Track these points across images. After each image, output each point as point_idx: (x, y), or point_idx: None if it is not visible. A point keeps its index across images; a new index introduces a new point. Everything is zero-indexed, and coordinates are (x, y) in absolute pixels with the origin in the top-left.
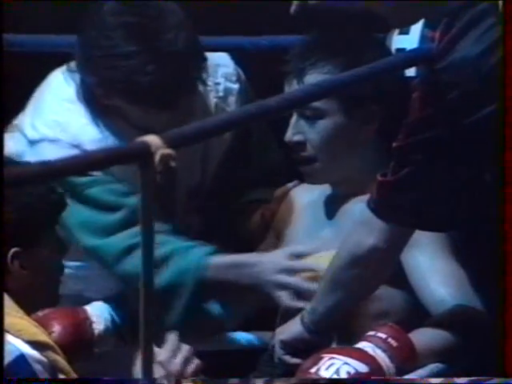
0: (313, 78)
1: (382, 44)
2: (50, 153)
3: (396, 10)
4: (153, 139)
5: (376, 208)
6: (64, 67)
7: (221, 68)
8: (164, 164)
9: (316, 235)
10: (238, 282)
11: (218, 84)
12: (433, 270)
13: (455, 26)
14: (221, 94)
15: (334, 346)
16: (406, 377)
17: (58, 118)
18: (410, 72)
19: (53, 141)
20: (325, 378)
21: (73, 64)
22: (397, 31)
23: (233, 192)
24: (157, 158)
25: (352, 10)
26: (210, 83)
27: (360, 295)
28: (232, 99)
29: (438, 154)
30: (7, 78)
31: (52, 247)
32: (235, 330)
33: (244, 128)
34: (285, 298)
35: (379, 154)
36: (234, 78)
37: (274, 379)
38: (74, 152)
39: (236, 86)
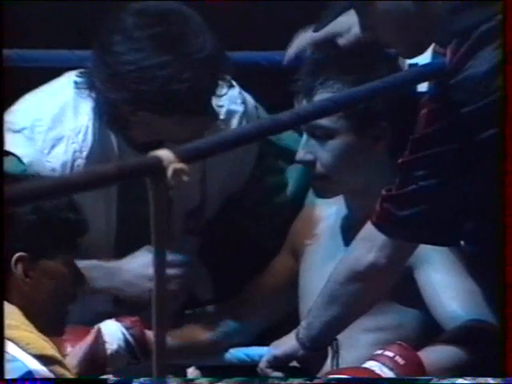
0: (322, 97)
1: (394, 60)
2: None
3: (403, 41)
4: (165, 153)
5: (378, 222)
6: (68, 79)
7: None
8: (177, 179)
9: (333, 259)
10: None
11: (220, 107)
12: (445, 286)
13: (464, 46)
14: (222, 116)
15: (329, 362)
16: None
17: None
18: (422, 87)
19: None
20: (328, 378)
21: (81, 80)
22: None
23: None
24: (169, 172)
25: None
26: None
27: (358, 310)
28: (234, 122)
29: (443, 171)
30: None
31: (64, 271)
32: (249, 345)
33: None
34: None
35: (391, 170)
36: (238, 101)
37: (271, 379)
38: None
39: (240, 108)
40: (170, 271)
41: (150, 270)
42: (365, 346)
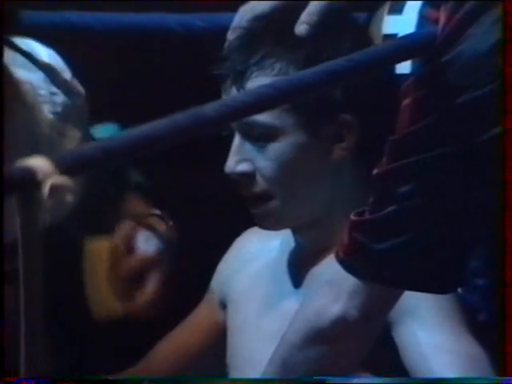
0: (258, 83)
1: (362, 29)
2: None
3: None
4: (40, 163)
5: (347, 259)
6: None
7: (57, 74)
8: (56, 198)
9: (277, 307)
10: None
11: (54, 94)
12: (436, 348)
13: (463, 9)
14: (59, 108)
15: None
16: None
17: None
18: (403, 68)
19: None
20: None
21: None
22: (386, 10)
23: None
24: (45, 189)
25: None
26: (42, 92)
27: None
28: (75, 118)
29: (435, 185)
30: None
31: None
32: None
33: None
34: None
35: (359, 184)
36: (75, 90)
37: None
38: None
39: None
40: None
41: None
42: None
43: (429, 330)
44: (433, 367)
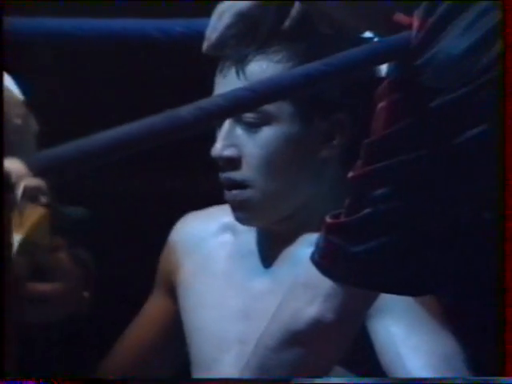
0: (258, 66)
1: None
2: None
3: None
4: (13, 165)
5: (322, 262)
6: None
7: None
8: (30, 200)
9: (245, 286)
10: None
11: None
12: (412, 347)
13: (436, 12)
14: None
15: None
16: None
17: None
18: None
19: None
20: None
21: None
22: None
23: None
24: (19, 191)
25: None
26: None
27: None
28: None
29: (411, 189)
30: None
31: None
32: None
33: None
34: None
35: (341, 185)
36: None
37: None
38: None
39: (18, 123)
40: None
41: None
42: None
43: (404, 328)
44: (406, 365)
